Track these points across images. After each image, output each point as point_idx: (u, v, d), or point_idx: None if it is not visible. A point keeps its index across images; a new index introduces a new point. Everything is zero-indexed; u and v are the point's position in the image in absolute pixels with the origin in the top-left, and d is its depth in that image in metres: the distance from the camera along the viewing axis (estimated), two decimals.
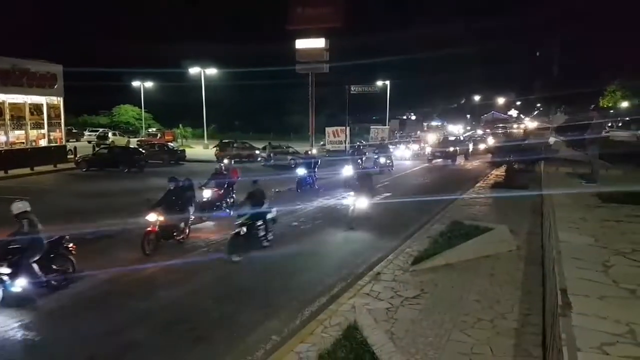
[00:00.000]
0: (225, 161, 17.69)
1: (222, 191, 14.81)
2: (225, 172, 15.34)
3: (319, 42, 37.04)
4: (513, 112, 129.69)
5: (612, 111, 75.69)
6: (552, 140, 26.00)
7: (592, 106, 55.97)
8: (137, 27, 78.75)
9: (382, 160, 27.43)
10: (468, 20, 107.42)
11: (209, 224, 14.00)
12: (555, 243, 6.19)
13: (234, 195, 15.43)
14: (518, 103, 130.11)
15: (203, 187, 14.40)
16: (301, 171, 20.42)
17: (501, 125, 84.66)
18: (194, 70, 49.99)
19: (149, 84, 59.27)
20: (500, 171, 24.00)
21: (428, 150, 36.34)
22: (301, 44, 37.39)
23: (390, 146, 34.88)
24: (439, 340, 6.20)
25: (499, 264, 9.42)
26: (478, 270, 9.05)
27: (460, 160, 34.62)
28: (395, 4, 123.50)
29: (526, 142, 24.45)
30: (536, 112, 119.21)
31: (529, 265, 9.33)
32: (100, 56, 64.19)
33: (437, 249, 10.02)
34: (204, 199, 14.35)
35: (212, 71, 49.92)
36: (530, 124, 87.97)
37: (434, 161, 33.69)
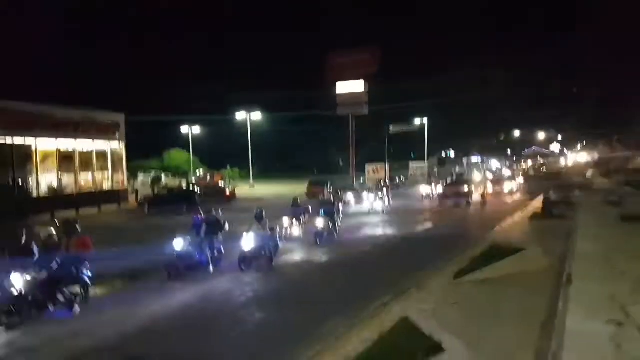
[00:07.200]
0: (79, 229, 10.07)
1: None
2: (57, 245, 9.40)
3: (358, 86, 38.92)
4: (555, 147, 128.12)
5: None
6: (589, 172, 26.81)
7: (616, 137, 55.64)
8: (183, 75, 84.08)
9: (320, 224, 17.25)
10: (506, 59, 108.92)
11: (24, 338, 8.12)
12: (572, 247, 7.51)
13: (85, 276, 9.53)
14: (560, 138, 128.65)
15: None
16: (179, 244, 11.86)
17: (542, 161, 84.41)
18: (240, 116, 53.19)
19: (196, 128, 62.94)
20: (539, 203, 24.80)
21: (439, 190, 31.96)
22: (342, 88, 39.47)
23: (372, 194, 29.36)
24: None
25: (530, 279, 10.58)
26: (511, 284, 10.28)
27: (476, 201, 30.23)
28: (433, 48, 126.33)
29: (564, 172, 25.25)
30: (580, 147, 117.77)
31: (558, 279, 10.45)
32: (149, 103, 68.88)
33: (476, 266, 11.38)
34: (15, 293, 8.45)
35: (257, 115, 53.02)
36: (572, 158, 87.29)
37: (444, 203, 29.67)
